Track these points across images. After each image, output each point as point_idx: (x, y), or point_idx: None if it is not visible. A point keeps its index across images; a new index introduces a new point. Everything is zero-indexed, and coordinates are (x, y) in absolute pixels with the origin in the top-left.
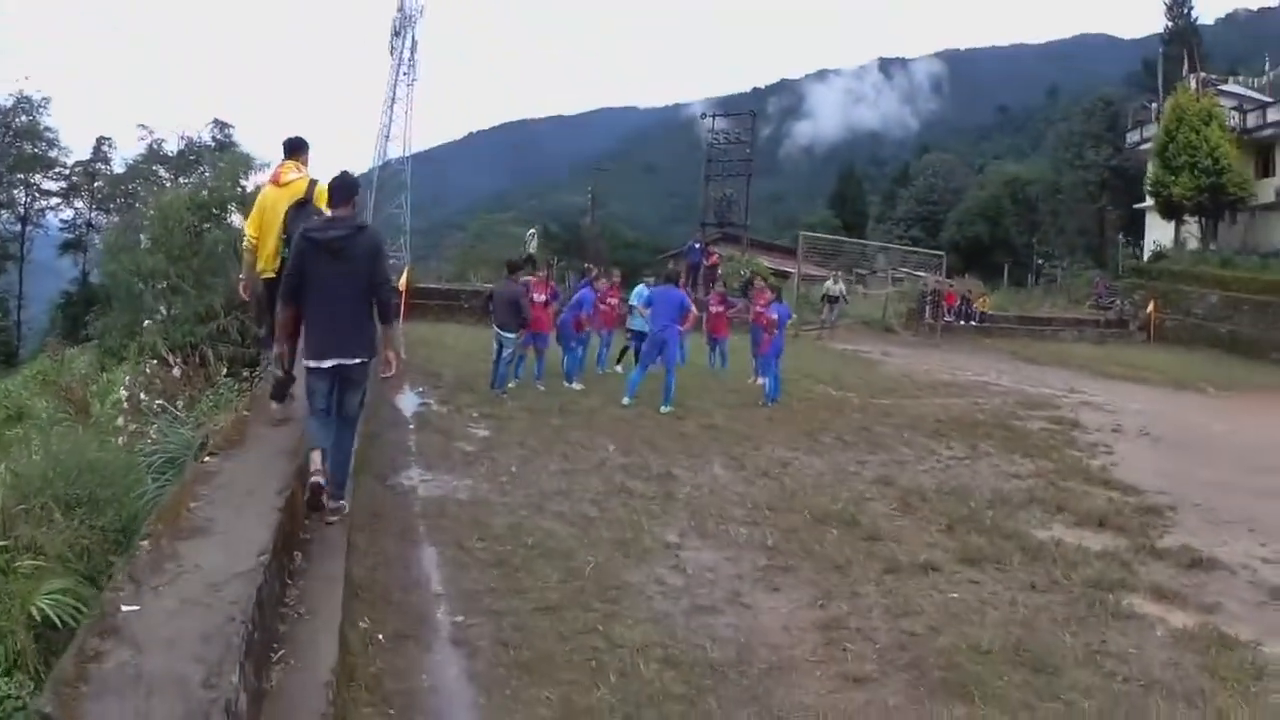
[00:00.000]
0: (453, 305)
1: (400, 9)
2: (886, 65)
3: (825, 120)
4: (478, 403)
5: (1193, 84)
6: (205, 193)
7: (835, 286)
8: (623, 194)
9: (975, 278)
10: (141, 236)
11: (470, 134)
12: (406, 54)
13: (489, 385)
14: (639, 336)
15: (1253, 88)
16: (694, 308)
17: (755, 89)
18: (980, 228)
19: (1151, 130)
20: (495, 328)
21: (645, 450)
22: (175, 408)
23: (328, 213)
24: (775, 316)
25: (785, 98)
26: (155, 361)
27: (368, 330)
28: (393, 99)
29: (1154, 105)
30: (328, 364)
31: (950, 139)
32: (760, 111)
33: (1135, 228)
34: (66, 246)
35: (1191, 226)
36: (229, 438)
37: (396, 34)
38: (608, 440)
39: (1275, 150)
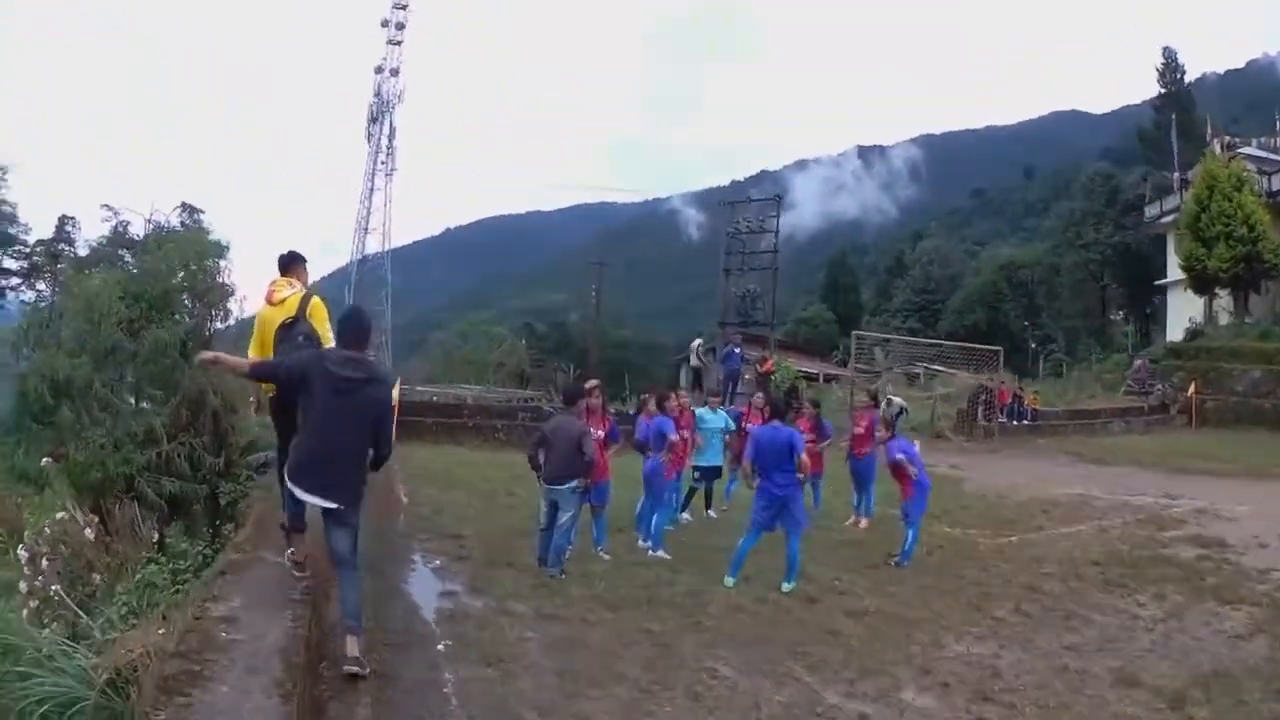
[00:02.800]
0: (454, 424)
1: (377, 94)
2: (865, 152)
3: (805, 209)
4: (527, 589)
5: (1218, 148)
6: (149, 279)
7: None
8: (605, 291)
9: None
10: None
11: (448, 229)
12: (384, 141)
13: (536, 560)
14: (709, 474)
15: (1265, 148)
16: (806, 450)
17: (734, 181)
18: (979, 315)
19: (1173, 201)
20: (545, 483)
21: (798, 668)
22: (87, 589)
23: (320, 328)
24: (903, 456)
25: (765, 188)
26: (62, 515)
27: (355, 479)
28: (370, 189)
29: (1175, 175)
30: (302, 497)
31: (930, 224)
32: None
33: (1139, 305)
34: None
35: (1223, 300)
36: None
37: (374, 120)
38: (736, 653)
39: None
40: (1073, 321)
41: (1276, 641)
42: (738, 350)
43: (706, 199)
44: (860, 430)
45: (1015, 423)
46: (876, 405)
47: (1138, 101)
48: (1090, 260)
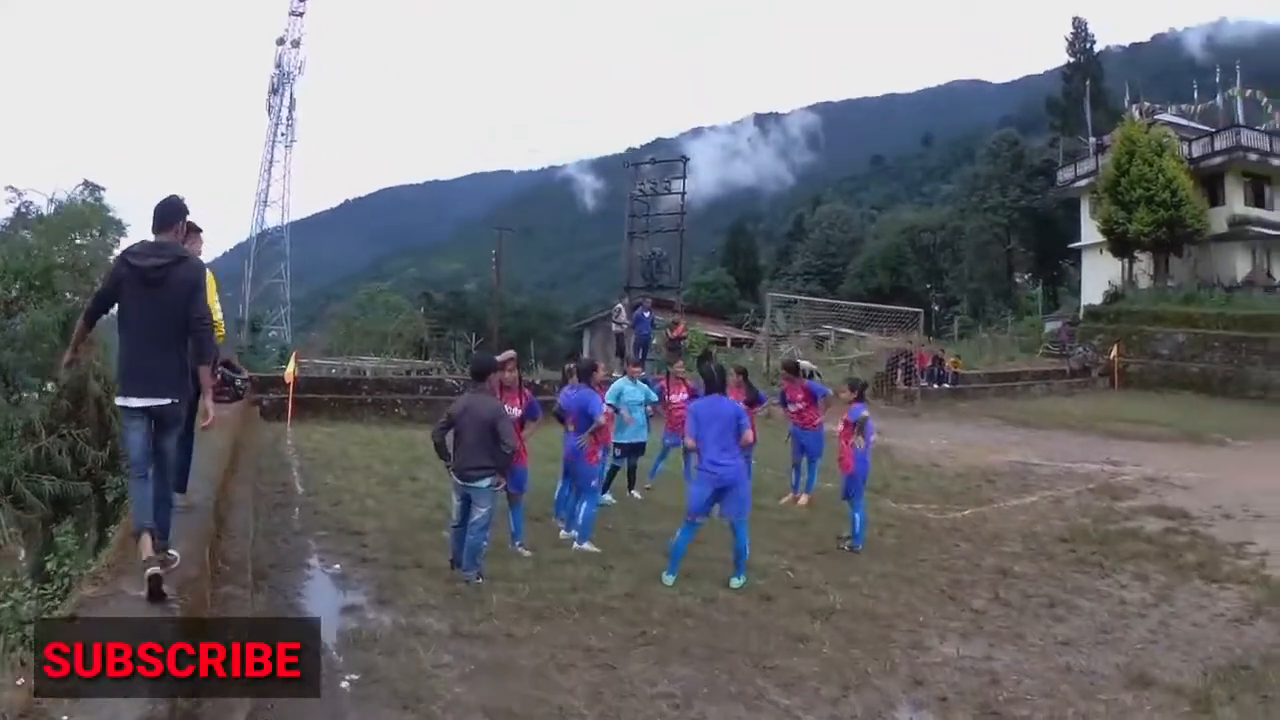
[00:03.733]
0: (351, 400)
1: (278, 65)
2: (762, 120)
3: (702, 177)
4: (441, 597)
5: (1137, 114)
6: (28, 257)
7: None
8: (503, 259)
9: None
10: None
11: (346, 201)
12: (284, 113)
13: (449, 561)
14: (631, 451)
15: (1183, 115)
16: (752, 426)
17: (630, 149)
18: (881, 278)
19: (1087, 166)
20: (456, 476)
21: (770, 687)
22: None
23: (210, 300)
24: (858, 419)
25: (661, 156)
26: None
27: (182, 369)
28: (270, 161)
29: (1092, 140)
30: (136, 403)
31: (827, 191)
32: (637, 170)
33: (1046, 268)
34: None
35: (1143, 263)
36: None
37: (274, 91)
38: (694, 671)
39: (1225, 179)
40: (977, 284)
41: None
42: (648, 314)
43: (603, 167)
44: (801, 403)
45: (936, 386)
46: (797, 374)
47: (1040, 72)
48: (996, 224)
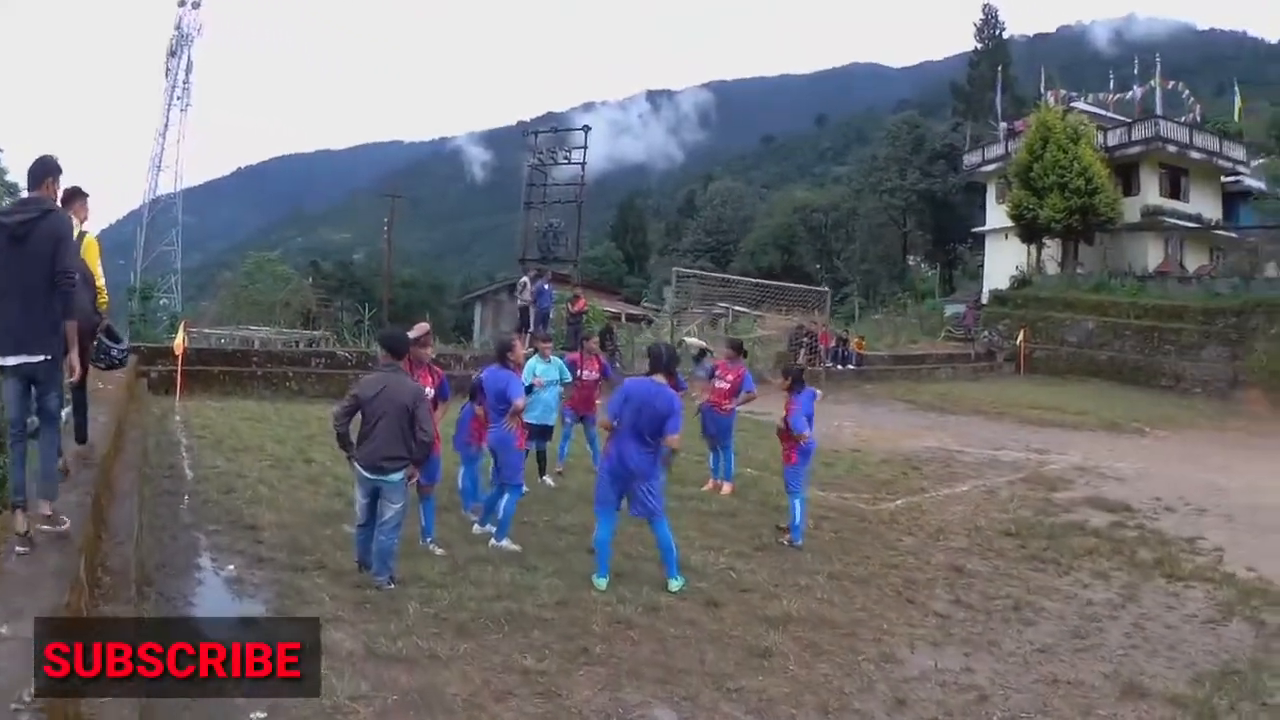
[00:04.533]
0: (242, 373)
1: (178, 26)
2: (654, 97)
3: (591, 151)
4: (349, 606)
5: (1051, 101)
6: None
7: (696, 340)
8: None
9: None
10: None
11: (239, 169)
12: (181, 76)
13: (356, 563)
14: (541, 434)
15: (1098, 104)
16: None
17: (520, 121)
18: (773, 256)
19: (996, 151)
20: (363, 468)
21: (741, 715)
22: None
23: (94, 267)
24: (802, 412)
25: (553, 129)
26: None
27: (53, 326)
28: (165, 125)
29: (1003, 126)
30: (9, 361)
31: (717, 169)
32: (523, 143)
33: (944, 251)
34: None
35: (1051, 249)
36: None
37: (173, 54)
38: (651, 695)
39: (1140, 169)
40: (870, 266)
41: (1258, 626)
42: (548, 286)
43: (492, 139)
44: (727, 385)
45: (840, 367)
46: (740, 354)
47: (939, 58)
48: (892, 206)
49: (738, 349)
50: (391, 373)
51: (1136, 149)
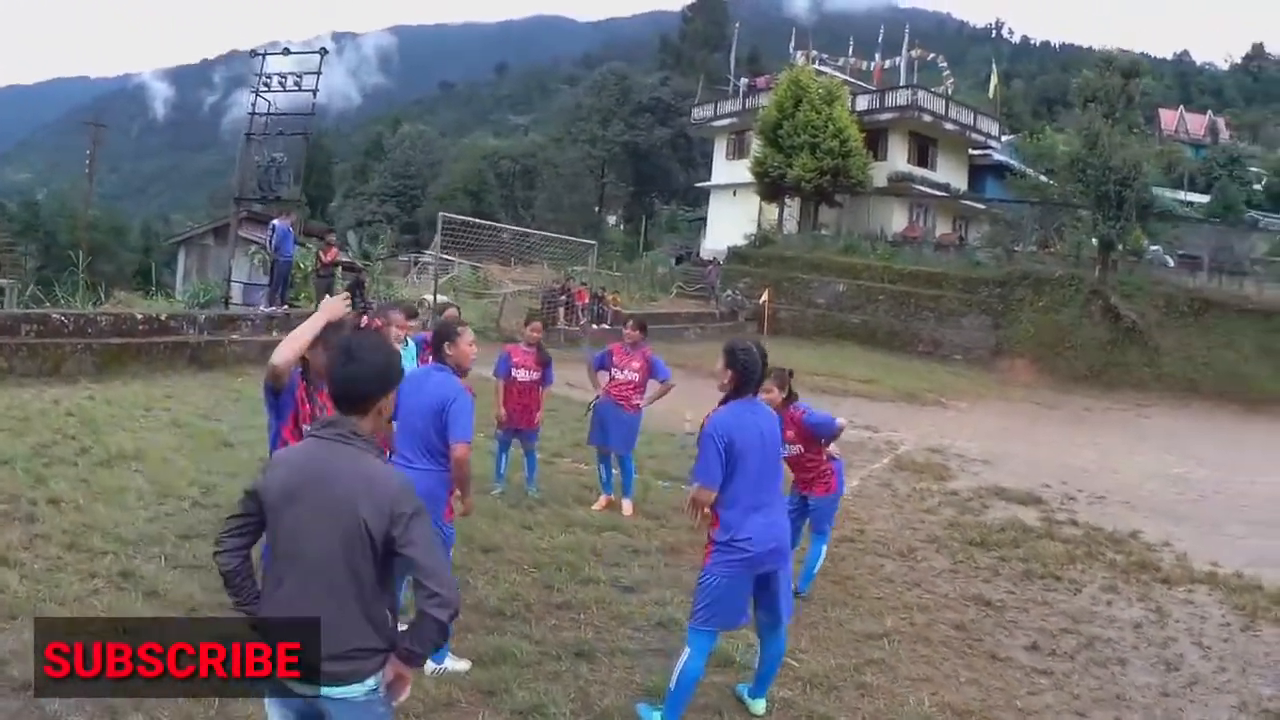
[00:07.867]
0: None
1: None
2: (340, 38)
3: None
4: None
5: (801, 60)
6: None
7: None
8: (70, 167)
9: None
10: None
11: None
12: None
13: None
14: None
15: (845, 70)
16: None
17: (205, 59)
18: (463, 203)
19: (728, 107)
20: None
21: None
22: None
23: None
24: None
25: (235, 67)
26: None
27: None
28: None
29: (744, 82)
30: None
31: (393, 112)
32: (207, 82)
33: (639, 204)
34: None
35: (791, 209)
36: None
37: None
38: None
39: (889, 135)
40: (563, 216)
41: None
42: (288, 228)
43: (176, 76)
44: (636, 375)
45: (597, 326)
46: (645, 334)
47: (627, 15)
48: (592, 156)
49: (643, 328)
50: (337, 439)
51: (889, 115)
